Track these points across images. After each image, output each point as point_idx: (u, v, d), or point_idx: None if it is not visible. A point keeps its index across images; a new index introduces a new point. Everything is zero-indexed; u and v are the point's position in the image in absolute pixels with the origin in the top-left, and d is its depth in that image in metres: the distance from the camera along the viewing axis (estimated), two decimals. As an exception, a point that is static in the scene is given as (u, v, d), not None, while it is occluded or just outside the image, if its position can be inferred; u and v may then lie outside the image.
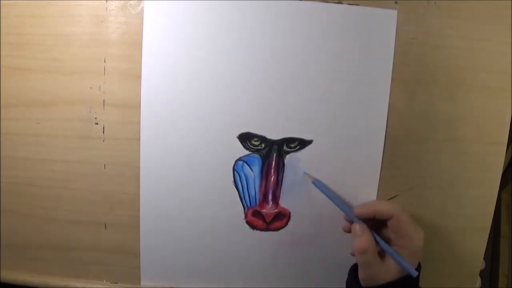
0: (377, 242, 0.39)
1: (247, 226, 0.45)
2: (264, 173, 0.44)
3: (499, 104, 0.44)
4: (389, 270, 0.38)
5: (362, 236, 0.38)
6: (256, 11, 0.42)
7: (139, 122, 0.43)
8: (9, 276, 0.48)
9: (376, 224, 0.41)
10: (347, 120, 0.43)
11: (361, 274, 0.39)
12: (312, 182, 0.43)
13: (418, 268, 0.39)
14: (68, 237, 0.47)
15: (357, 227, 0.39)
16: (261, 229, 0.45)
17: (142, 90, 0.43)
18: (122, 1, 0.42)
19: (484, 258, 0.48)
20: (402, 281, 0.38)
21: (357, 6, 0.42)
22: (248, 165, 0.44)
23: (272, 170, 0.44)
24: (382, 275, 0.38)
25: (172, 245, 0.46)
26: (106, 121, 0.44)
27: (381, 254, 0.39)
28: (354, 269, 0.42)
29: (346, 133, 0.44)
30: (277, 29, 0.42)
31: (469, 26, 0.43)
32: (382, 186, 0.45)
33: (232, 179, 0.44)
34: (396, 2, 0.42)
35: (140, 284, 0.47)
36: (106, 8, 0.42)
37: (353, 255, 0.39)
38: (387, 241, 0.39)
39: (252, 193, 0.44)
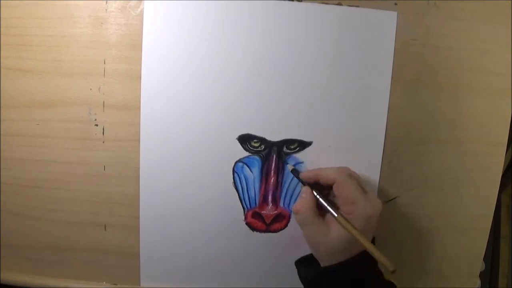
0: (321, 206, 0.40)
1: (246, 227, 0.45)
2: (264, 175, 0.44)
3: (499, 105, 0.44)
4: (330, 231, 0.37)
5: (300, 199, 0.40)
6: (256, 12, 0.42)
7: (139, 124, 0.43)
8: (9, 277, 0.47)
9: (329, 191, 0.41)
10: (347, 121, 0.43)
11: (304, 236, 0.39)
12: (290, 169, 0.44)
13: (372, 242, 0.39)
14: (68, 238, 0.47)
15: (302, 189, 0.41)
16: (260, 231, 0.45)
17: (142, 92, 0.43)
18: (122, 2, 0.42)
19: (484, 259, 0.48)
20: (360, 258, 0.37)
21: (357, 8, 0.42)
22: (248, 166, 0.44)
23: (272, 172, 0.44)
24: (321, 236, 0.38)
25: (172, 246, 0.46)
26: (106, 123, 0.44)
27: (324, 217, 0.39)
28: (299, 261, 0.42)
29: (346, 134, 0.44)
30: (277, 30, 0.42)
31: (469, 26, 0.43)
32: (382, 187, 0.45)
33: (232, 180, 0.44)
34: (395, 3, 0.42)
35: (139, 285, 0.47)
36: (106, 9, 0.42)
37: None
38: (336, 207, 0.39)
39: (252, 194, 0.44)
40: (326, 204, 0.39)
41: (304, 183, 0.42)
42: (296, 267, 0.43)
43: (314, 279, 0.39)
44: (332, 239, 0.37)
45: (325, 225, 0.38)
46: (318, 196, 0.40)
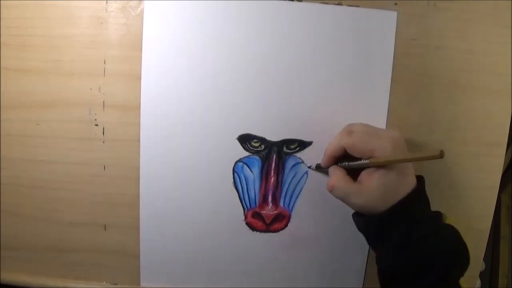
0: (350, 170, 0.40)
1: (246, 227, 0.45)
2: (264, 175, 0.44)
3: (499, 105, 0.44)
4: (371, 188, 0.37)
5: (330, 177, 0.40)
6: (256, 13, 0.42)
7: (139, 124, 0.43)
8: (9, 277, 0.47)
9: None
10: (347, 121, 0.43)
11: (353, 207, 0.39)
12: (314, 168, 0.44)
13: (421, 182, 0.39)
14: (68, 238, 0.47)
15: (329, 170, 0.41)
16: (261, 231, 0.45)
17: (142, 92, 0.43)
18: (122, 2, 0.42)
19: (484, 260, 0.48)
20: (411, 194, 0.37)
21: (357, 8, 0.42)
22: (248, 166, 0.44)
23: (272, 172, 0.44)
24: (365, 195, 0.37)
25: (172, 246, 0.46)
26: (106, 123, 0.44)
27: (358, 181, 0.39)
28: (354, 214, 0.41)
29: (346, 134, 0.44)
30: (277, 30, 0.42)
31: (469, 27, 0.43)
32: (382, 187, 0.45)
33: (232, 180, 0.44)
34: (396, 3, 0.42)
35: (139, 285, 0.47)
36: (106, 9, 0.42)
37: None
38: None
39: (252, 194, 0.44)
40: (355, 162, 0.39)
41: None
42: (354, 219, 0.41)
43: (370, 224, 0.39)
44: (374, 190, 0.37)
45: (363, 185, 0.38)
46: (344, 164, 0.40)
